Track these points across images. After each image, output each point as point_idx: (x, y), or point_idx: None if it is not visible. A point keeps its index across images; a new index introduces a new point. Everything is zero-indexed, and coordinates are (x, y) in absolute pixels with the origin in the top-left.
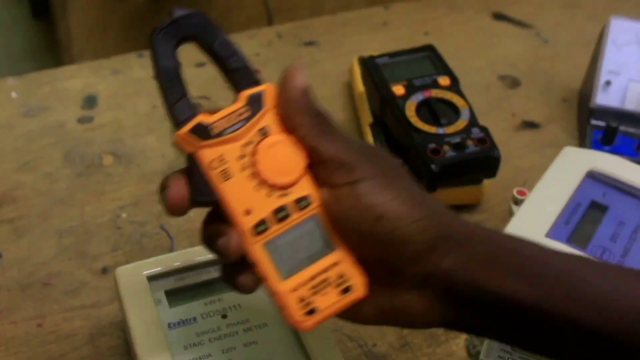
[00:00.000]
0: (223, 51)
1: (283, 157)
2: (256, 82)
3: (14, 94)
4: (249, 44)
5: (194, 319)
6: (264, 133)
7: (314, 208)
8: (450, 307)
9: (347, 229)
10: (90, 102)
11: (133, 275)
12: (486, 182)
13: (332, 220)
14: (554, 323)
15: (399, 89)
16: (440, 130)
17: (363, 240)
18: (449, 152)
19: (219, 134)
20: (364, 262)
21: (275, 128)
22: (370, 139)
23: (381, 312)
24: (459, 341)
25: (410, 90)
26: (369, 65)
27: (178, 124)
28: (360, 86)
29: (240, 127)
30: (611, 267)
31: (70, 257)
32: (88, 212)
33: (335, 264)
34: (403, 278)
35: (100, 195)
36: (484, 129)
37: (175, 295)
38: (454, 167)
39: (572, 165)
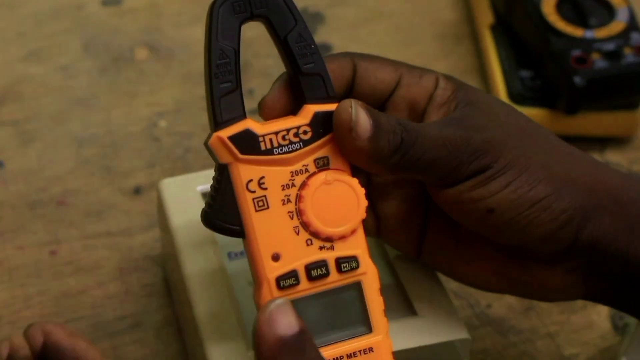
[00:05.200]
0: (298, 47)
1: (339, 200)
2: (329, 97)
3: None
4: None
5: None
6: (322, 165)
7: (359, 274)
8: (592, 280)
9: (457, 219)
10: None
11: (183, 190)
12: None
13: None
14: None
15: None
16: (588, 34)
17: (477, 228)
18: (598, 63)
19: (268, 151)
20: (483, 238)
21: (338, 162)
22: (489, 44)
23: (508, 284)
24: (602, 309)
25: None
26: None
27: (219, 123)
28: None
29: (296, 150)
30: None
31: (92, 172)
32: (116, 117)
33: (367, 350)
34: (533, 255)
35: (131, 98)
36: None
37: None
38: (604, 82)
39: None
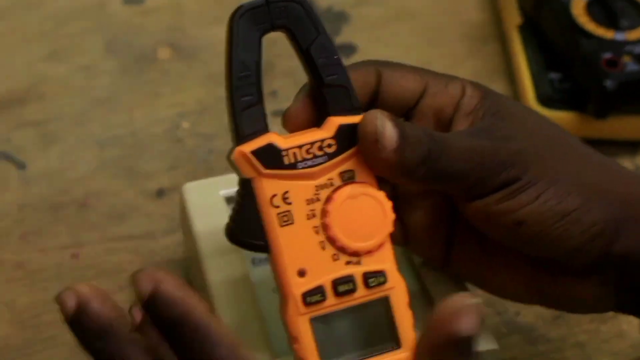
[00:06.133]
0: (321, 58)
1: (365, 214)
2: (354, 109)
3: None
4: None
5: None
6: (347, 178)
7: (387, 288)
8: (624, 293)
9: (485, 232)
10: None
11: (206, 195)
12: None
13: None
14: None
15: None
16: (619, 36)
17: (505, 241)
18: (630, 66)
19: (292, 165)
20: (512, 249)
21: (364, 175)
22: (517, 45)
23: (538, 296)
24: (632, 318)
25: None
26: None
27: (241, 137)
28: None
29: (320, 164)
30: None
31: (114, 174)
32: (138, 118)
33: None
34: (563, 267)
35: (154, 98)
36: None
37: None
38: (636, 85)
39: None
